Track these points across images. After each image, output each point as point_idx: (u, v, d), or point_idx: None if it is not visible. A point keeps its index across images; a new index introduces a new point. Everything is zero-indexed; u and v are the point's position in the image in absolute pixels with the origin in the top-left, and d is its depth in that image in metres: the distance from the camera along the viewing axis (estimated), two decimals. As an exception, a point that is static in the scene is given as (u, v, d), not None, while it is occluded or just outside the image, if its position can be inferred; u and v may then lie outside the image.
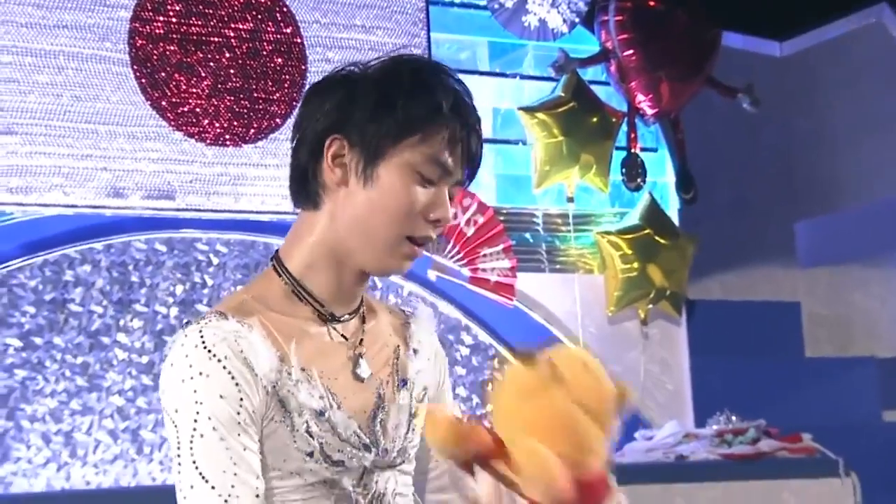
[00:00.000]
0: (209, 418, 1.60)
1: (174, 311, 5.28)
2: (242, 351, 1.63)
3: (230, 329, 1.64)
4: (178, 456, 1.61)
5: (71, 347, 5.08)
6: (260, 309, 1.70)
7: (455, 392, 5.75)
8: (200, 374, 1.61)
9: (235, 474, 1.59)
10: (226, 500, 1.58)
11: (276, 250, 1.79)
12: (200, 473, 1.59)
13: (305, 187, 1.75)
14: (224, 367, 1.61)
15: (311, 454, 1.66)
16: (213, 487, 1.58)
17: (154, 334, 5.22)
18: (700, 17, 6.49)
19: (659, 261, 6.32)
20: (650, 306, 6.34)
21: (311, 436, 1.66)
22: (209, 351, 1.61)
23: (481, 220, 5.88)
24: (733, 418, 5.65)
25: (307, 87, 5.36)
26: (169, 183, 5.20)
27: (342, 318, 1.77)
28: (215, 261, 5.40)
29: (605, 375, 1.52)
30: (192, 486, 1.59)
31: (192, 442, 1.60)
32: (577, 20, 6.31)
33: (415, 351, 1.87)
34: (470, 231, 5.85)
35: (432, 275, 5.76)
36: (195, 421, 1.60)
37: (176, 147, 5.22)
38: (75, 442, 5.03)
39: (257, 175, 5.35)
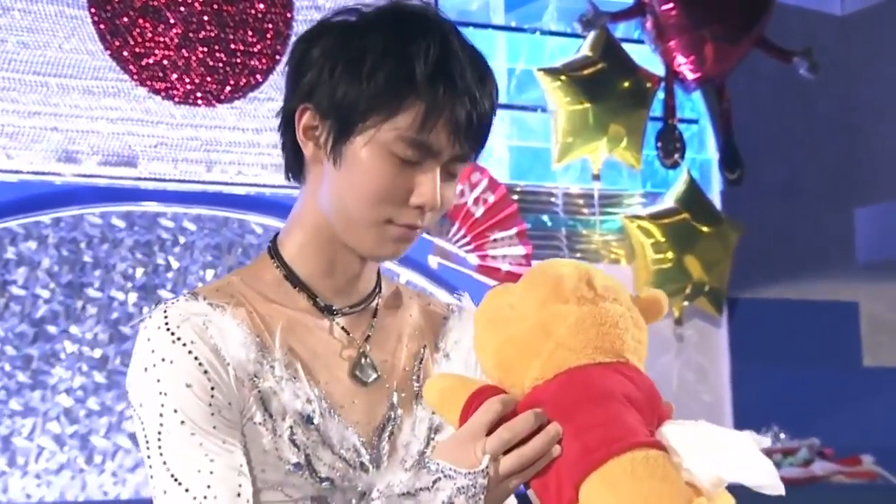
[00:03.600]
0: (175, 411, 1.59)
1: (133, 296, 5.25)
2: (212, 336, 1.62)
3: (198, 311, 1.64)
4: (148, 457, 1.61)
5: (11, 338, 5.04)
6: (248, 293, 1.71)
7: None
8: (163, 360, 1.61)
9: (212, 472, 1.58)
10: None
11: (277, 233, 1.80)
12: (172, 475, 1.59)
13: (292, 157, 1.76)
14: (190, 352, 1.61)
15: (296, 466, 1.65)
16: (186, 490, 1.58)
17: (109, 324, 5.19)
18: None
19: (697, 251, 6.33)
20: (686, 304, 6.34)
21: (295, 444, 1.65)
22: (172, 334, 1.61)
23: (491, 199, 5.88)
24: (781, 436, 5.68)
25: (293, 38, 5.38)
26: (130, 147, 5.17)
27: (342, 311, 1.75)
28: (182, 239, 5.36)
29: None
30: (165, 491, 1.59)
31: (160, 439, 1.60)
32: (608, -33, 6.30)
33: (446, 355, 1.83)
34: (478, 212, 5.84)
35: (433, 261, 5.74)
36: (161, 415, 1.60)
37: (139, 105, 5.19)
38: (14, 448, 5.00)
39: (233, 140, 5.33)
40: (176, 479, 1.59)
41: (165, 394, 1.60)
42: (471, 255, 5.80)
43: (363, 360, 1.74)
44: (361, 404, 1.72)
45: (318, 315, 1.74)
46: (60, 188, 5.15)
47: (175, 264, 5.35)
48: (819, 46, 6.69)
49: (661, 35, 6.37)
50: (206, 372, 1.61)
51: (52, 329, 5.11)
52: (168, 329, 1.62)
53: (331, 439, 1.67)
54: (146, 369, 1.61)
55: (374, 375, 1.73)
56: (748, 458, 1.44)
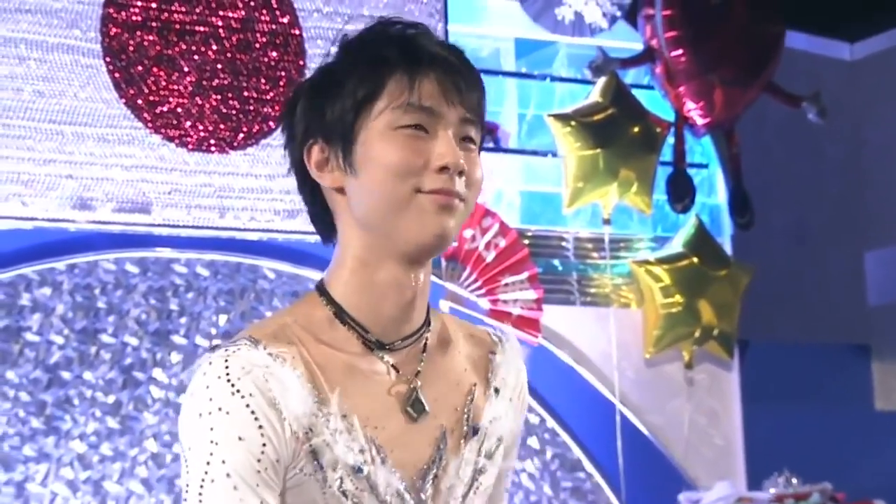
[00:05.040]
0: (223, 462, 1.59)
1: (146, 342, 5.26)
2: (271, 389, 1.62)
3: (259, 362, 1.63)
4: (185, 501, 1.62)
5: (25, 383, 5.04)
6: (304, 337, 1.70)
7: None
8: (220, 409, 1.60)
9: None
10: None
11: (321, 279, 1.79)
12: None
13: (321, 219, 1.79)
14: (247, 406, 1.61)
15: None
16: None
17: (122, 369, 5.20)
18: (761, 14, 6.50)
19: (707, 295, 6.32)
20: (696, 347, 6.32)
21: (345, 495, 1.65)
22: (233, 385, 1.61)
23: (503, 243, 5.87)
24: (794, 480, 5.62)
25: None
26: (144, 194, 5.19)
27: (394, 346, 1.74)
28: (195, 285, 5.38)
29: None
30: None
31: (202, 487, 1.60)
32: (618, 14, 6.34)
33: (496, 390, 1.83)
34: (490, 256, 5.84)
35: (445, 306, 5.75)
36: (208, 464, 1.60)
37: (153, 152, 5.22)
38: (28, 494, 4.99)
39: (246, 186, 5.35)
40: None
41: (217, 443, 1.60)
42: (482, 300, 5.80)
43: (413, 395, 1.73)
44: (410, 445, 1.72)
45: (369, 353, 1.73)
46: (75, 235, 5.17)
47: (188, 310, 5.36)
48: (827, 91, 6.70)
49: (671, 81, 6.38)
50: (260, 427, 1.61)
51: (65, 375, 5.12)
52: (229, 381, 1.61)
53: (377, 486, 1.67)
54: (201, 415, 1.61)
55: (425, 410, 1.73)
56: None
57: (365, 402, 1.70)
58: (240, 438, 1.60)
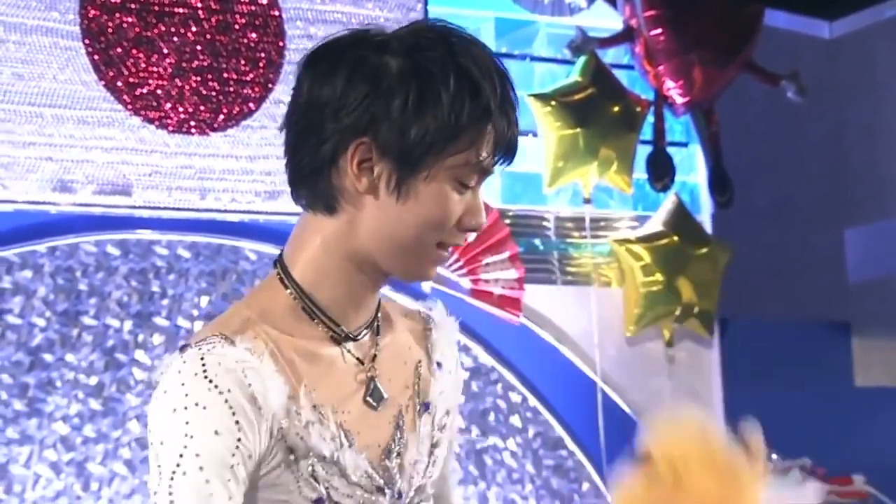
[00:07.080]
0: (197, 455, 1.58)
1: (128, 324, 5.27)
2: (251, 385, 1.61)
3: (238, 358, 1.61)
4: (155, 493, 1.59)
5: (8, 366, 5.05)
6: (265, 329, 1.68)
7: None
8: (196, 404, 1.59)
9: None
10: None
11: (280, 255, 1.75)
12: None
13: (316, 188, 1.69)
14: (226, 401, 1.59)
15: (317, 501, 1.66)
16: None
17: (104, 351, 5.21)
18: (740, -8, 6.49)
19: (687, 273, 6.34)
20: (676, 325, 6.34)
21: (316, 480, 1.66)
22: (210, 381, 1.59)
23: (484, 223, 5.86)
24: (774, 456, 5.61)
25: (285, 66, 5.39)
26: (124, 176, 5.20)
27: (358, 336, 1.75)
28: (176, 267, 5.38)
29: (726, 462, 1.67)
30: None
31: (172, 479, 1.58)
32: (597, -7, 6.32)
33: (438, 364, 1.85)
34: (471, 236, 5.83)
35: (427, 286, 5.72)
36: (180, 456, 1.58)
37: (133, 135, 5.22)
38: (11, 476, 5.00)
39: (227, 168, 5.35)
40: None
41: (192, 437, 1.58)
42: (464, 279, 5.80)
43: (372, 385, 1.74)
44: (373, 427, 1.73)
45: (330, 342, 1.72)
46: (55, 217, 5.17)
47: (170, 291, 5.37)
48: (807, 69, 6.72)
49: (651, 60, 6.39)
50: (237, 422, 1.59)
51: (48, 357, 5.12)
52: (206, 377, 1.59)
53: (346, 469, 1.68)
54: (175, 410, 1.59)
55: (384, 396, 1.74)
56: None
57: (331, 390, 1.70)
58: (216, 433, 1.58)
